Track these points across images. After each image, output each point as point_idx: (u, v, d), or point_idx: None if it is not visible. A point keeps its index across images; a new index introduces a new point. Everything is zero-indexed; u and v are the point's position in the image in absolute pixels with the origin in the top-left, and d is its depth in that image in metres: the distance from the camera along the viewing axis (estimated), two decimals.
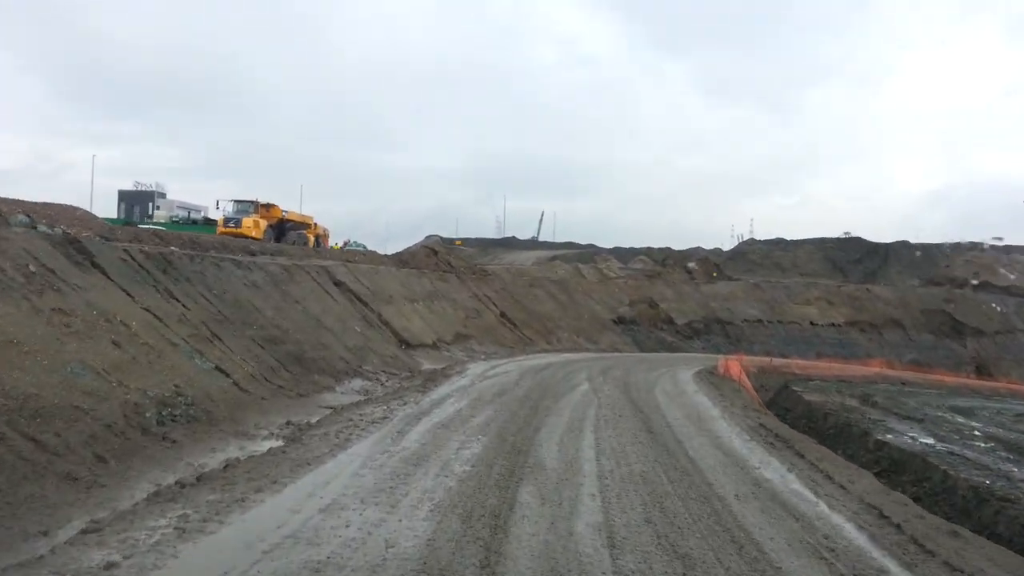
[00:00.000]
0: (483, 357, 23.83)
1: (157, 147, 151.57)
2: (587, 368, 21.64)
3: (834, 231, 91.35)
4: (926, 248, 79.56)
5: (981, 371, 54.23)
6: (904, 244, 79.76)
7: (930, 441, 12.46)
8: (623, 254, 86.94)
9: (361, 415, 11.34)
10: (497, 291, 36.46)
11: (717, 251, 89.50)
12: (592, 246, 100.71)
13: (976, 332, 56.92)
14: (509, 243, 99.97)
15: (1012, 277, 74.64)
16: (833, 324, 54.70)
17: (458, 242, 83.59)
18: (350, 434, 9.82)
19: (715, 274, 60.11)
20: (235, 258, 17.84)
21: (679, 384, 19.24)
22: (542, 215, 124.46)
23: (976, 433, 14.27)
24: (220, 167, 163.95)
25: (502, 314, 33.78)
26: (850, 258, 79.61)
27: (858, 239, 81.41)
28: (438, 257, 37.23)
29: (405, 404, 12.61)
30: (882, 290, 60.14)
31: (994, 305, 59.86)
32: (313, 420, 11.02)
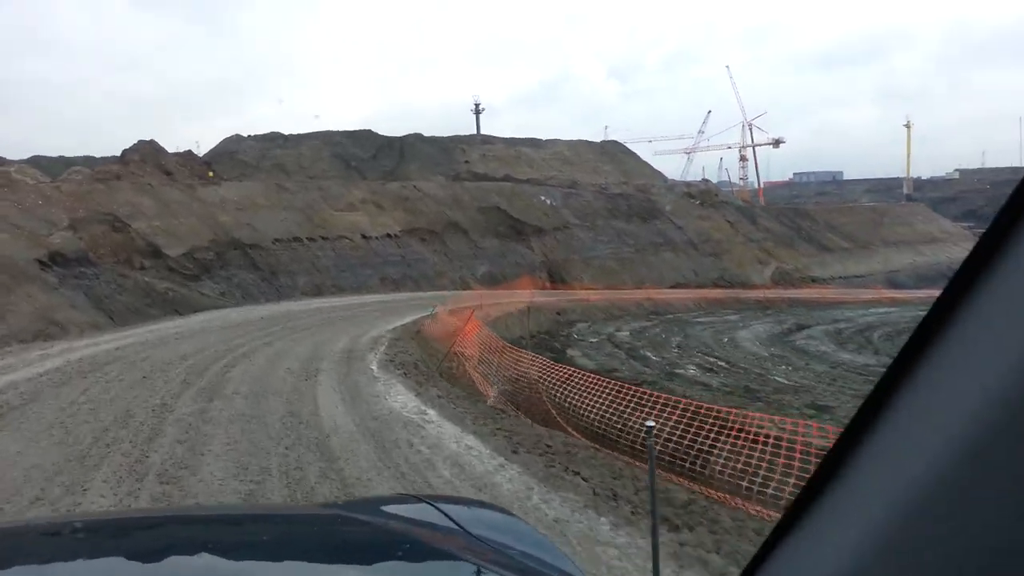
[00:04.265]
0: None
1: None
2: None
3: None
4: (440, 142, 69.97)
5: (553, 277, 45.62)
6: (419, 137, 68.85)
7: None
8: (50, 165, 58.66)
9: None
10: None
11: (189, 154, 66.75)
12: None
13: (537, 231, 48.13)
14: None
15: (528, 168, 70.11)
16: (389, 235, 39.81)
17: None
18: None
19: (212, 174, 39.45)
20: None
21: None
22: None
23: None
24: None
25: None
26: (364, 154, 65.65)
27: (369, 132, 67.82)
28: None
29: None
30: (430, 186, 47.21)
31: (544, 199, 51.93)
32: None
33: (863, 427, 0.74)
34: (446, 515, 1.71)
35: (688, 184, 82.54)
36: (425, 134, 70.01)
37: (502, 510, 2.08)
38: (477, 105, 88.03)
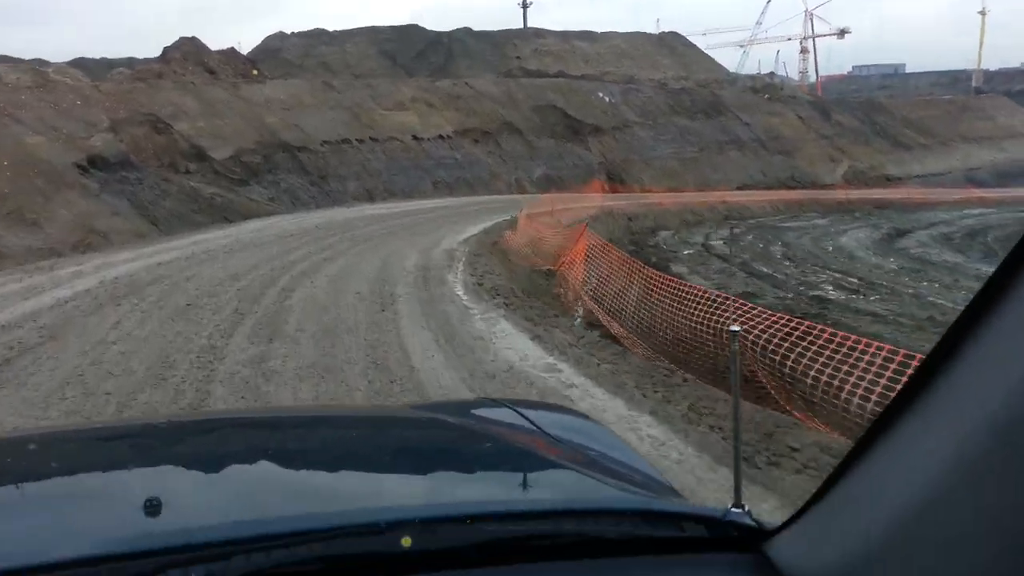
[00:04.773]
0: None
1: None
2: None
3: None
4: (490, 36, 66.48)
5: (612, 179, 43.29)
6: (468, 32, 65.34)
7: None
8: (93, 67, 57.15)
9: None
10: None
11: (232, 52, 64.13)
12: (40, 60, 66.47)
13: (594, 130, 45.52)
14: None
15: (583, 64, 66.48)
16: (441, 136, 37.74)
17: None
18: None
19: (256, 72, 37.50)
20: None
21: None
22: None
23: None
24: None
25: None
26: (411, 52, 62.64)
27: (416, 27, 64.52)
28: None
29: None
30: (484, 84, 44.57)
31: (602, 95, 48.90)
32: None
33: (955, 345, 0.70)
34: (526, 418, 1.72)
35: (752, 78, 77.81)
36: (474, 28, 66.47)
37: (581, 415, 2.06)
38: None
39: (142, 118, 24.86)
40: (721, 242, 17.52)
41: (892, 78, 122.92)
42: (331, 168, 30.44)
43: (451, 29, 65.12)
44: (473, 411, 1.99)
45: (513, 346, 6.54)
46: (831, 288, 12.23)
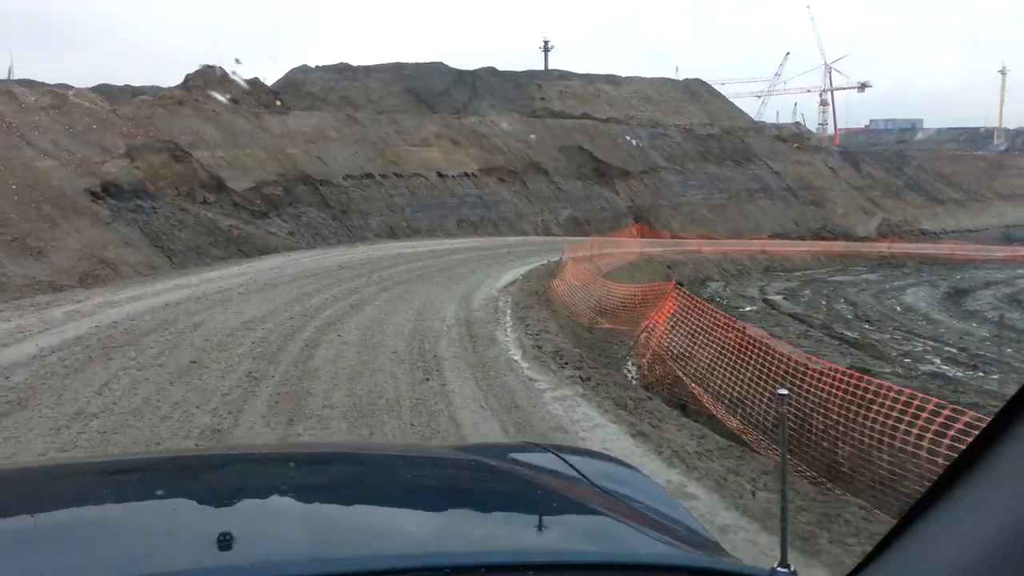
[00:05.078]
0: None
1: None
2: None
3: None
4: (515, 76, 66.08)
5: (640, 222, 42.11)
6: (492, 71, 64.93)
7: None
8: (116, 94, 56.87)
9: None
10: None
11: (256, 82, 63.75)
12: (64, 84, 66.40)
13: (622, 174, 44.51)
14: None
15: (608, 107, 65.85)
16: (466, 173, 36.72)
17: None
18: None
19: (280, 103, 36.77)
20: None
21: None
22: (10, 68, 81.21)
23: None
24: None
25: None
26: (435, 88, 62.12)
27: (440, 64, 64.10)
28: None
29: None
30: (509, 122, 43.61)
31: (629, 138, 47.98)
32: None
33: (1006, 426, 0.70)
34: (571, 465, 1.71)
35: (778, 127, 76.97)
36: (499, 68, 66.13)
37: (625, 464, 2.03)
38: (546, 43, 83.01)
39: (160, 145, 23.89)
40: (780, 297, 16.10)
41: (909, 133, 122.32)
42: (353, 203, 29.36)
43: (475, 68, 64.77)
44: (517, 455, 1.97)
45: (610, 447, 4.82)
46: (939, 360, 10.79)
